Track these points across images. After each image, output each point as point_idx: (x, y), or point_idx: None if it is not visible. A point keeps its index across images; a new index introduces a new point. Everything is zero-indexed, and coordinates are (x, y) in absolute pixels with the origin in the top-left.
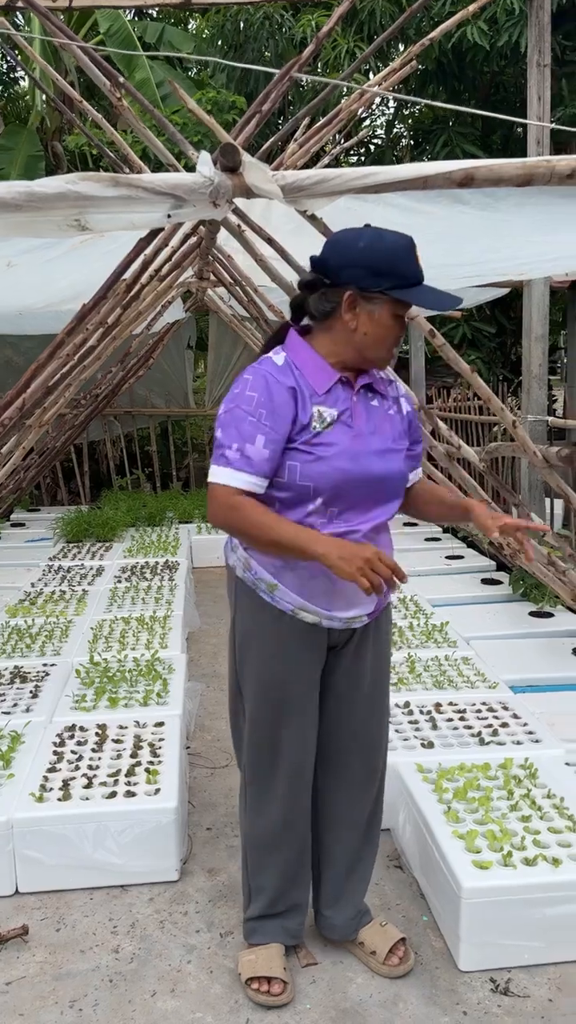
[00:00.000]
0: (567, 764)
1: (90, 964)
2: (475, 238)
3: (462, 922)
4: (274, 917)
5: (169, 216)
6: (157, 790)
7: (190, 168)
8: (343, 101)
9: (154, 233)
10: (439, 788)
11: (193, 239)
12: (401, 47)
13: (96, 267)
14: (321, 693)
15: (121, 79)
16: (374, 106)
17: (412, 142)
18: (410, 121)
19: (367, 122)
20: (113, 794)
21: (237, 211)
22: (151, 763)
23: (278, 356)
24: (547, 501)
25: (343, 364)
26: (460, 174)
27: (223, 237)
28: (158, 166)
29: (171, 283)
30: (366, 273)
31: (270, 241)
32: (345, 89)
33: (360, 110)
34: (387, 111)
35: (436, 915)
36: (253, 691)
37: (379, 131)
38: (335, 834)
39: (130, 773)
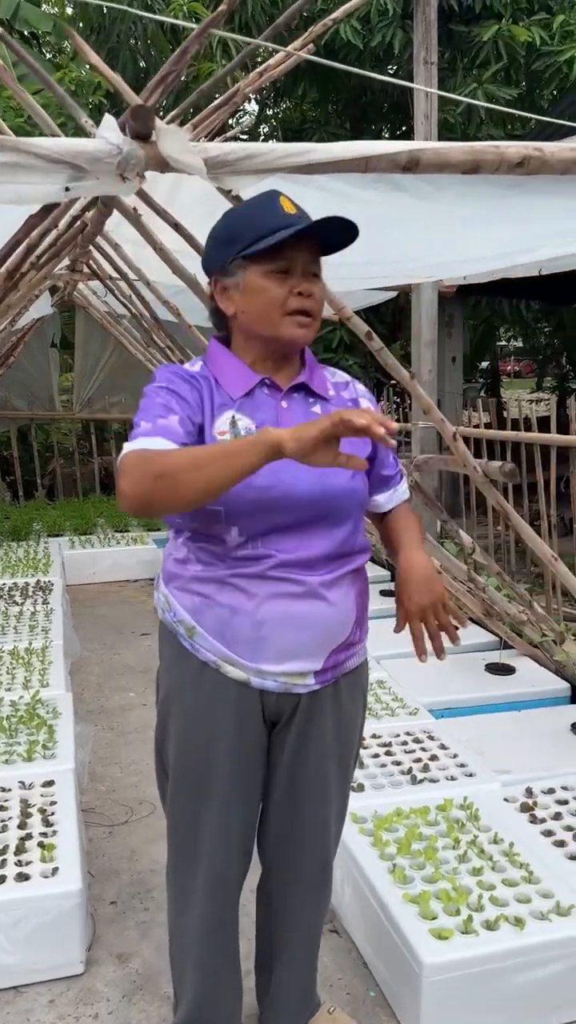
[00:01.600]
0: (505, 800)
1: None
2: (409, 232)
3: (423, 1002)
4: None
5: (68, 189)
6: (55, 869)
7: None
8: (240, 82)
9: (47, 210)
10: (378, 841)
11: (78, 223)
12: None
13: None
14: (268, 772)
15: None
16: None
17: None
18: (273, 122)
19: (231, 121)
20: (1, 878)
21: (139, 191)
22: (44, 835)
23: (194, 365)
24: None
25: (262, 362)
26: (405, 156)
27: (111, 223)
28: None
29: (48, 273)
30: (219, 249)
31: (176, 227)
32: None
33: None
34: (250, 110)
35: (387, 990)
36: (173, 760)
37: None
38: (286, 935)
39: (20, 850)
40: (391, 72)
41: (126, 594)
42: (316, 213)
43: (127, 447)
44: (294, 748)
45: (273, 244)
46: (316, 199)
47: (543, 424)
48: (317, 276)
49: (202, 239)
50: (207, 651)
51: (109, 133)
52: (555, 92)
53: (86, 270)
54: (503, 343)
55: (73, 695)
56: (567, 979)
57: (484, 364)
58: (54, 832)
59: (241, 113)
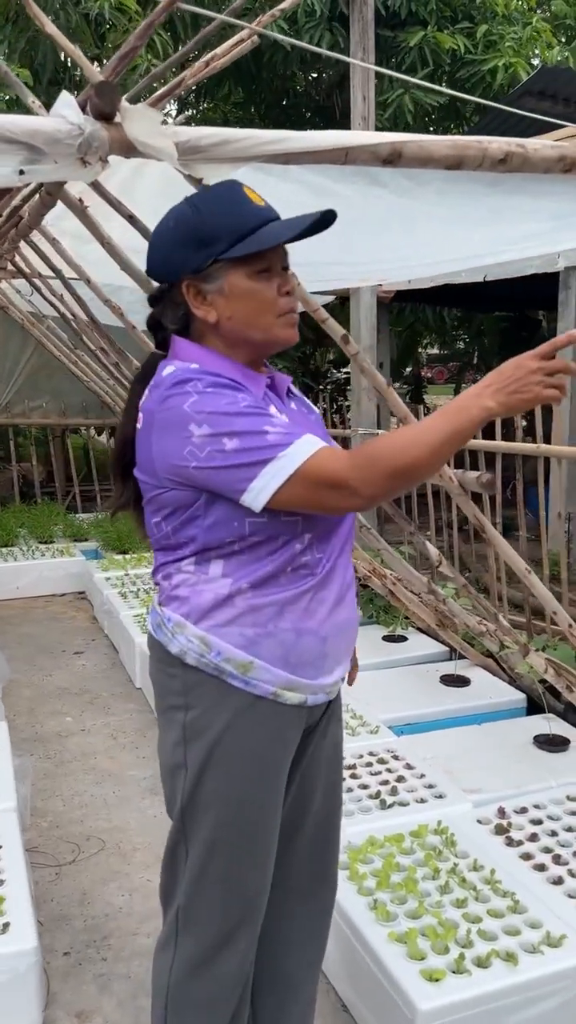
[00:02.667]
0: (479, 822)
1: None
2: (381, 232)
3: None
4: None
5: (22, 173)
6: (5, 925)
7: None
8: (185, 72)
9: None
10: (355, 875)
11: (15, 216)
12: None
13: None
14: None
15: None
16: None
17: None
18: (192, 124)
19: None
20: None
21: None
22: None
23: (189, 365)
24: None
25: (251, 366)
26: (387, 148)
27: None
28: None
29: None
30: (190, 251)
31: (132, 220)
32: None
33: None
34: (167, 110)
35: None
36: (215, 821)
37: None
38: (295, 958)
39: None
40: (315, 76)
41: (53, 610)
42: (288, 206)
43: (287, 465)
44: (322, 747)
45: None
46: (289, 192)
47: None
48: (287, 269)
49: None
50: (266, 683)
51: (68, 111)
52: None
53: (10, 267)
54: (421, 350)
55: (6, 723)
56: (562, 1013)
57: (407, 370)
58: (1, 882)
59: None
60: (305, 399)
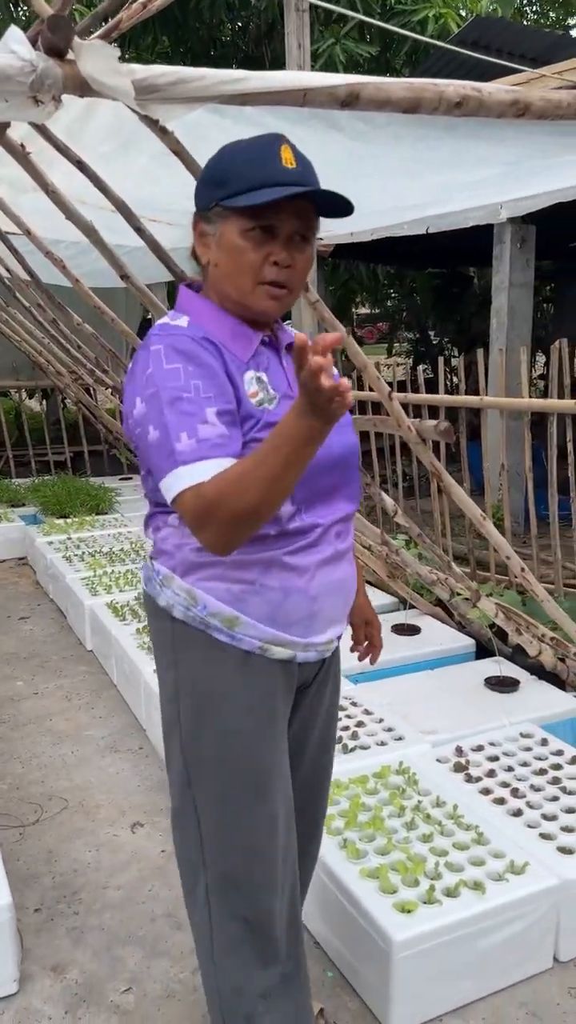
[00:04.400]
0: (438, 761)
1: None
2: (338, 178)
3: (393, 979)
4: None
5: None
6: None
7: None
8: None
9: None
10: None
11: None
12: None
13: None
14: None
15: None
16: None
17: None
18: None
19: None
20: None
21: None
22: None
23: (178, 319)
24: None
25: (248, 322)
26: (345, 90)
27: None
28: None
29: None
30: (206, 188)
31: (80, 165)
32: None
33: None
34: None
35: (348, 970)
36: (219, 776)
37: None
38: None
39: None
40: (242, 25)
41: None
42: None
43: (170, 485)
44: (310, 701)
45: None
46: (243, 135)
47: (401, 387)
48: (307, 240)
49: (109, 180)
50: (252, 638)
51: (18, 47)
52: (409, 54)
53: None
54: (354, 309)
55: None
56: (528, 936)
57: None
58: None
59: None
60: None
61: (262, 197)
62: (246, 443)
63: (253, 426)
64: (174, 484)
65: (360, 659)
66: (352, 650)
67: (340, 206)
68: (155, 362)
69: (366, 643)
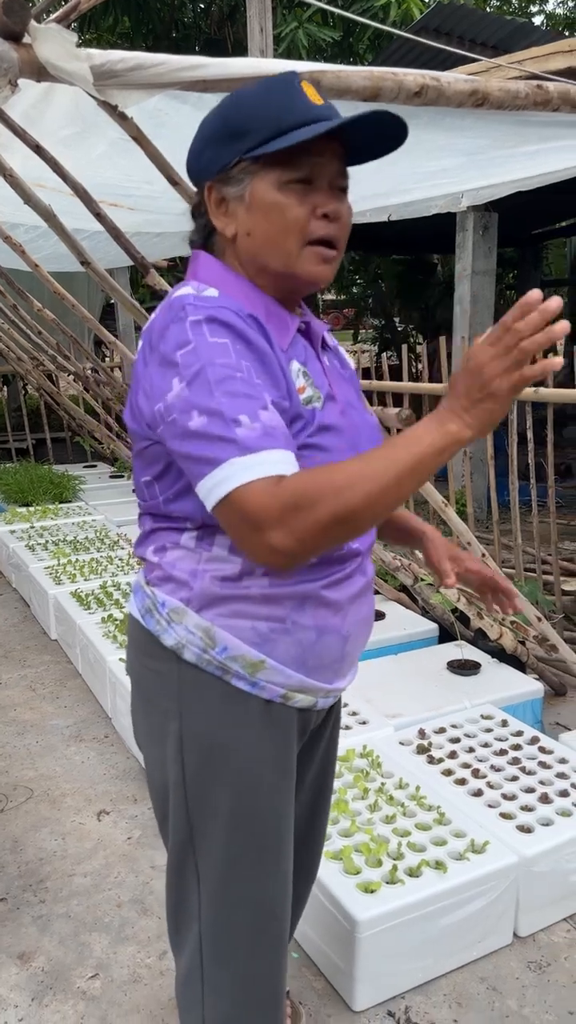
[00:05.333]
0: (401, 744)
1: None
2: None
3: (358, 959)
4: None
5: None
6: None
7: None
8: None
9: None
10: None
11: None
12: None
13: None
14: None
15: None
16: None
17: None
18: None
19: None
20: None
21: None
22: None
23: (205, 291)
24: None
25: (282, 301)
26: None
27: None
28: None
29: None
30: (218, 146)
31: (39, 150)
32: None
33: None
34: None
35: (313, 951)
36: (225, 835)
37: None
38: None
39: None
40: (203, 7)
41: None
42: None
43: (230, 477)
44: (324, 750)
45: (296, 144)
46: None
47: (366, 374)
48: (345, 192)
49: (69, 165)
50: (276, 686)
51: None
52: (372, 39)
53: None
54: (319, 295)
55: None
56: (487, 912)
57: None
58: None
59: None
60: (341, 352)
61: (302, 136)
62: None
63: (303, 428)
64: (234, 476)
65: (497, 606)
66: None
67: (386, 139)
68: (197, 334)
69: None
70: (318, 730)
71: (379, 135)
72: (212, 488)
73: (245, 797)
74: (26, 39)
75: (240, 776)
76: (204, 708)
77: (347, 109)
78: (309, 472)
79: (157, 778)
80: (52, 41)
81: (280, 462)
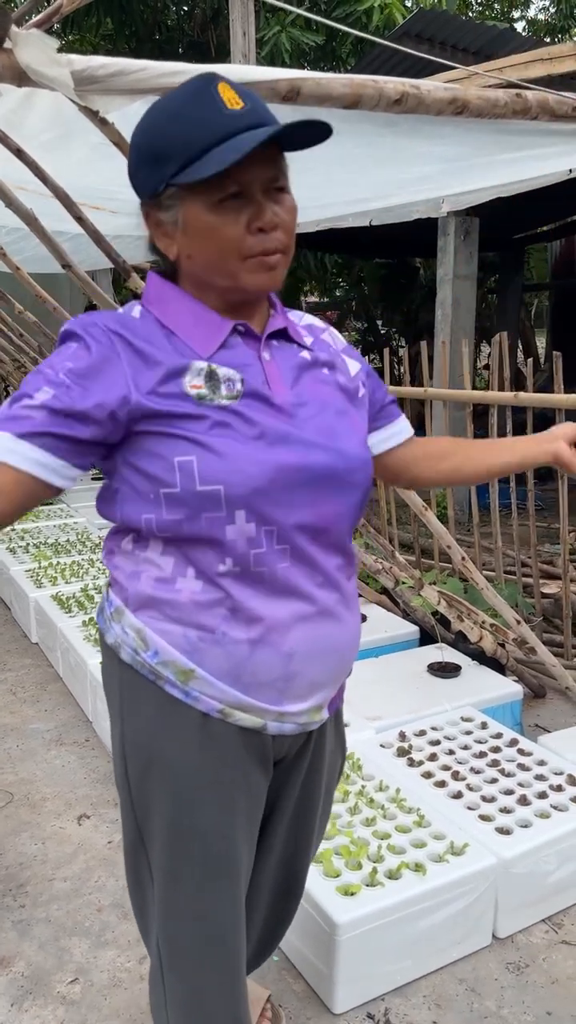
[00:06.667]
0: (382, 746)
1: None
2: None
3: (337, 962)
4: None
5: None
6: None
7: None
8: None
9: None
10: None
11: None
12: None
13: None
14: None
15: None
16: None
17: None
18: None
19: None
20: None
21: None
22: None
23: (132, 310)
24: None
25: (225, 309)
26: (285, 85)
27: None
28: None
29: None
30: (144, 169)
31: (20, 154)
32: None
33: None
34: None
35: (293, 954)
36: (164, 842)
37: None
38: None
39: None
40: (186, 10)
41: None
42: None
43: None
44: (303, 785)
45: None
46: None
47: None
48: (284, 190)
49: (50, 168)
50: (210, 699)
51: None
52: (355, 43)
53: None
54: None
55: None
56: (466, 914)
57: None
58: None
59: None
60: (325, 343)
61: (220, 162)
62: (169, 434)
63: (183, 416)
64: None
65: None
66: None
67: (314, 135)
68: (59, 339)
69: None
70: (294, 762)
71: (308, 130)
72: None
73: (183, 814)
74: (7, 44)
75: (177, 793)
76: (142, 713)
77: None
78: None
79: (116, 776)
80: (33, 46)
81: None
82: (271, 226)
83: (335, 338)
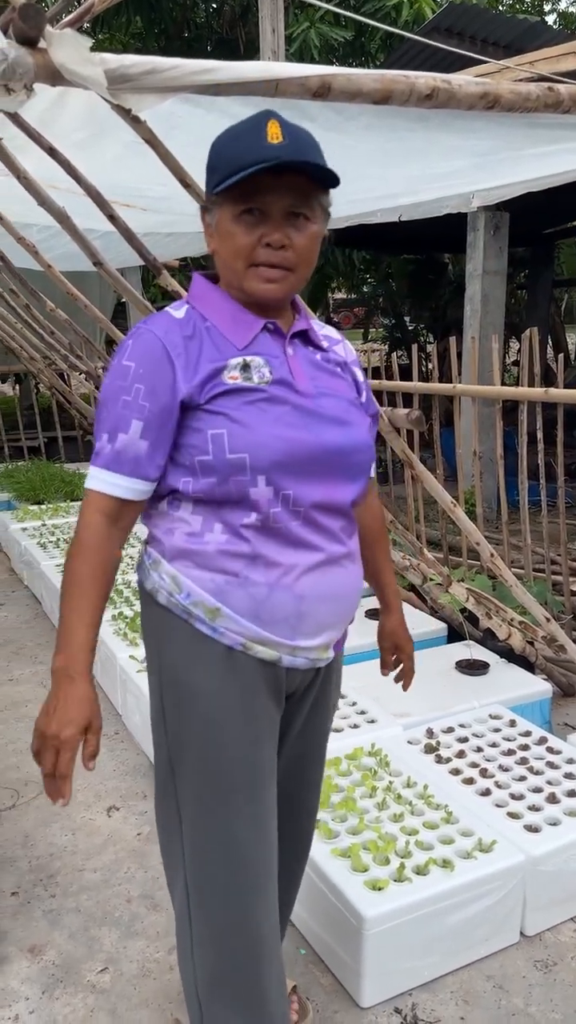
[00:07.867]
0: (410, 743)
1: None
2: None
3: (365, 956)
4: None
5: None
6: None
7: None
8: None
9: None
10: None
11: None
12: None
13: None
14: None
15: None
16: None
17: None
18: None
19: None
20: None
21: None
22: None
23: (178, 310)
24: None
25: (252, 307)
26: (316, 81)
27: None
28: None
29: None
30: (207, 177)
31: (52, 152)
32: None
33: None
34: None
35: (320, 947)
36: (194, 768)
37: None
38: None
39: None
40: (215, 7)
41: None
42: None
43: (89, 475)
44: (308, 718)
45: (244, 181)
46: (215, 124)
47: (376, 373)
48: (308, 219)
49: (82, 167)
50: (234, 634)
51: None
52: (384, 38)
53: None
54: (330, 294)
55: None
56: (494, 911)
57: (317, 314)
58: None
59: None
60: (340, 353)
61: (236, 178)
62: (206, 410)
63: (215, 391)
64: (90, 477)
65: (396, 681)
66: (383, 673)
67: (329, 176)
68: (121, 353)
69: (399, 668)
70: (303, 695)
71: (320, 169)
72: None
73: (213, 735)
74: (41, 44)
75: (206, 716)
76: (175, 648)
77: (358, 112)
78: (99, 531)
79: (152, 712)
80: (67, 46)
81: (107, 484)
82: (278, 244)
83: (348, 350)
